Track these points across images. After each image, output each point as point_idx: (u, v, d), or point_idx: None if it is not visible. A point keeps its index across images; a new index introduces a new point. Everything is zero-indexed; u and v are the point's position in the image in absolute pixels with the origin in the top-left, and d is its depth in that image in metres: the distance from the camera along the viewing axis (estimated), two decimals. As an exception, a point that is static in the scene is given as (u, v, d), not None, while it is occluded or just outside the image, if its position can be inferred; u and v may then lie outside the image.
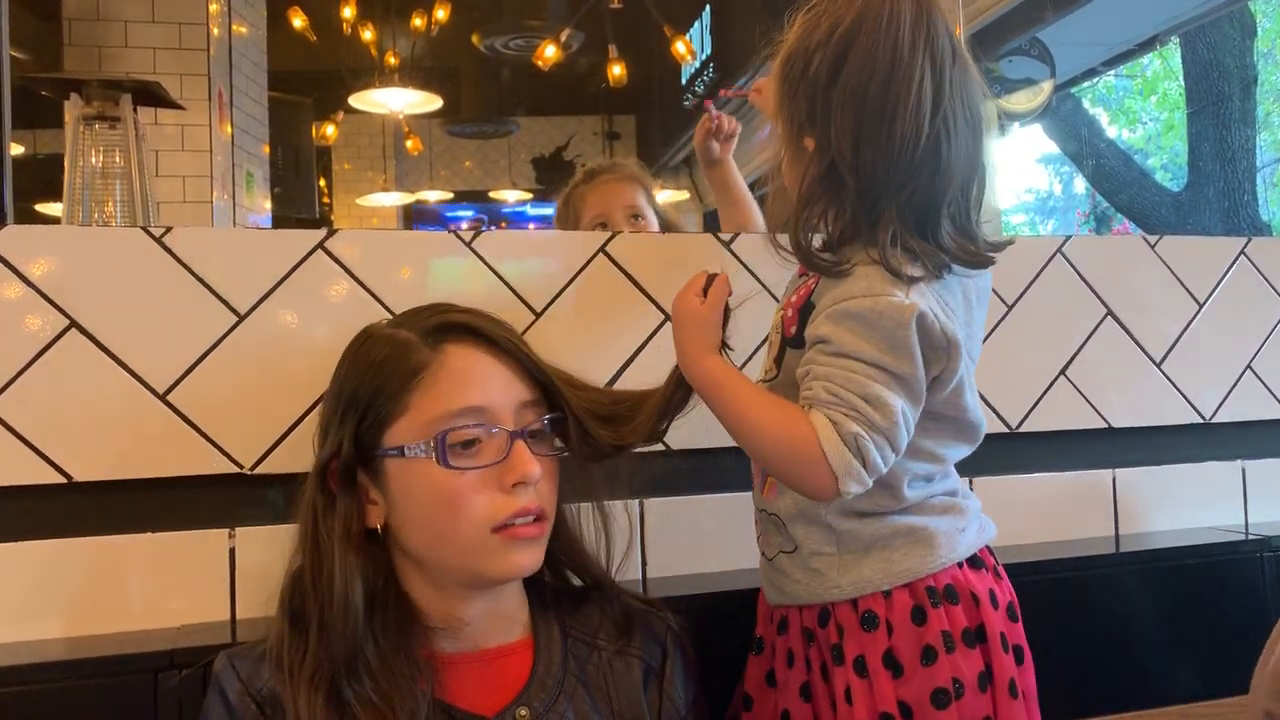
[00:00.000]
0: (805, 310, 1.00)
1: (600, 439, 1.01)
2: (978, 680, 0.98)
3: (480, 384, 0.95)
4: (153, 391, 1.16)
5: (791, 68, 1.01)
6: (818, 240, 1.03)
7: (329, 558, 0.93)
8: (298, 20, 5.01)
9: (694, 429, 1.16)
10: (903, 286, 0.95)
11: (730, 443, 1.10)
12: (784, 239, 1.03)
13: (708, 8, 6.24)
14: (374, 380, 0.95)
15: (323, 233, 1.23)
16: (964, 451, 1.06)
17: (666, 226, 2.01)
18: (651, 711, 1.01)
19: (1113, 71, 7.23)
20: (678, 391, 1.04)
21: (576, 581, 1.09)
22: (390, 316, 1.10)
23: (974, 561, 1.03)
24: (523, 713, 0.95)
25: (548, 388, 1.00)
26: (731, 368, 1.02)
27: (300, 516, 0.97)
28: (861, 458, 0.92)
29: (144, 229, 1.18)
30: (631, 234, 1.38)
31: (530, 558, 0.95)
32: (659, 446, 1.09)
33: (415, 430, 0.93)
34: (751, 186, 1.84)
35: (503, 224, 7.81)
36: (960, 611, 0.99)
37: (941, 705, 0.96)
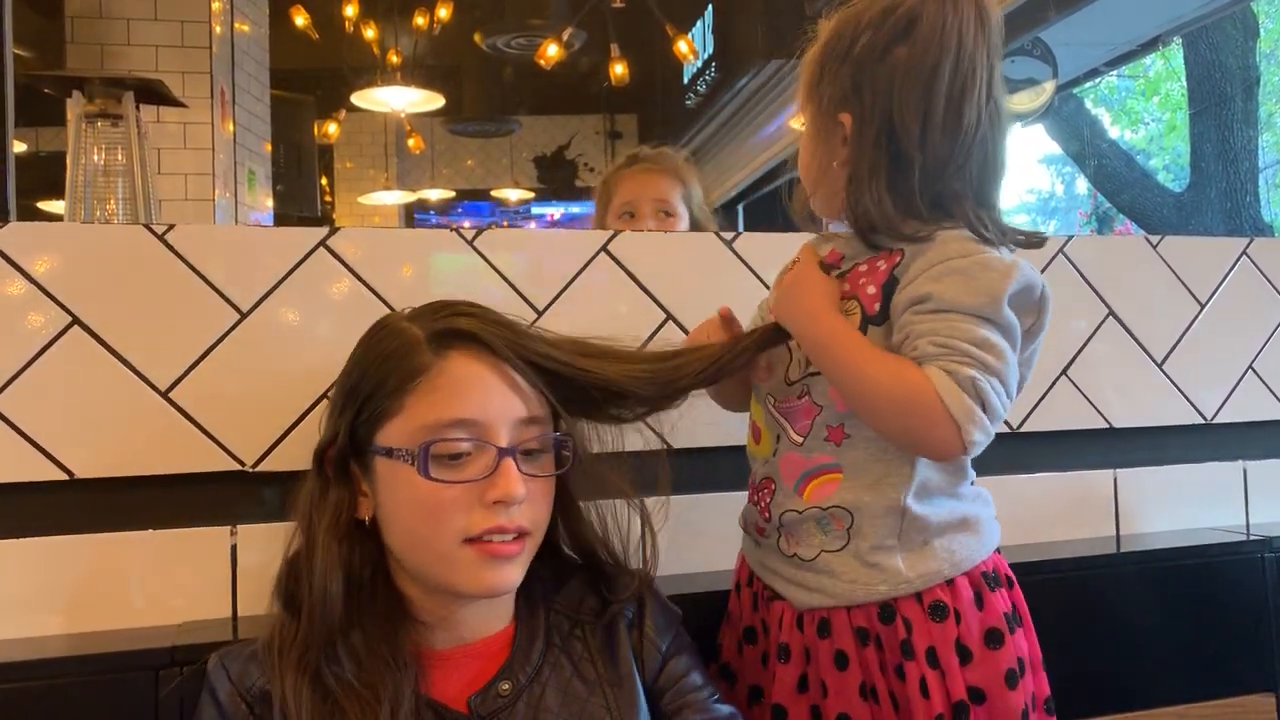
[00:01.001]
0: (889, 286, 0.99)
1: (646, 386, 1.00)
2: (1030, 658, 1.01)
3: (478, 397, 0.93)
4: (154, 389, 1.16)
5: (838, 43, 1.01)
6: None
7: (316, 543, 0.93)
8: (300, 18, 5.02)
9: (694, 428, 1.16)
10: (994, 248, 0.97)
11: (730, 442, 1.10)
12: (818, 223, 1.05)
13: (710, 7, 6.24)
14: (377, 374, 0.94)
15: (325, 230, 1.23)
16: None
17: (697, 226, 1.94)
18: (636, 657, 1.01)
19: (1115, 72, 7.23)
20: (764, 342, 1.04)
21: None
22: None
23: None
24: (505, 687, 0.95)
25: (554, 403, 0.98)
26: (852, 327, 0.99)
27: (300, 500, 0.97)
28: (981, 400, 0.91)
29: (146, 226, 1.18)
30: (634, 233, 1.38)
31: (506, 576, 0.93)
32: (659, 445, 1.08)
33: (406, 434, 0.92)
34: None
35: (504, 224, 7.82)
36: (1006, 594, 1.02)
37: (1013, 685, 0.98)
